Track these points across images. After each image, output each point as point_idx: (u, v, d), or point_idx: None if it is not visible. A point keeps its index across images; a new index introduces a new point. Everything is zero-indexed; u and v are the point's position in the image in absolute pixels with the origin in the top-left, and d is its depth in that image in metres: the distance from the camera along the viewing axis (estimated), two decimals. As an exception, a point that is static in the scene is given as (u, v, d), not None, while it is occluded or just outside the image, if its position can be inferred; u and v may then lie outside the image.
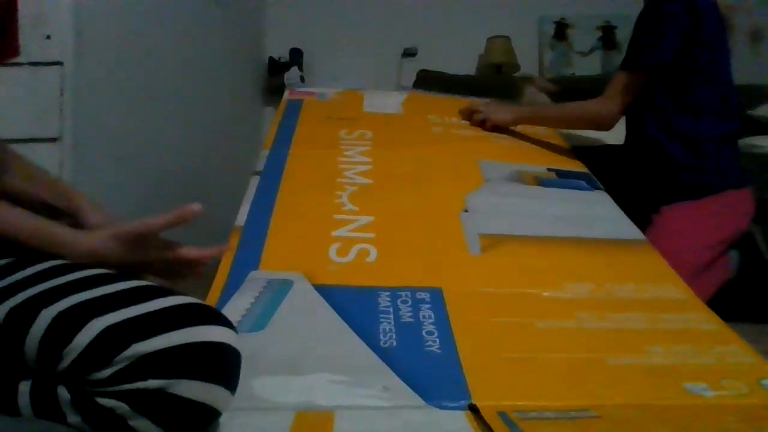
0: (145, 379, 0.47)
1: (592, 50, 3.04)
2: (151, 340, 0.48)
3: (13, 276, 0.56)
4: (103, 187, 1.59)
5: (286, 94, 1.55)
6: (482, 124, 1.43)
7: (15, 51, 0.78)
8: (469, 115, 1.46)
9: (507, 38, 2.98)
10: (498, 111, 1.43)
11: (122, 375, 0.48)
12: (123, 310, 0.50)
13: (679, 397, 0.68)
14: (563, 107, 1.46)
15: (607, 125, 1.34)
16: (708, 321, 0.85)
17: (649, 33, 1.29)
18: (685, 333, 0.82)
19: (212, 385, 0.49)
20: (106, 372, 0.48)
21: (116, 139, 1.59)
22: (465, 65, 3.06)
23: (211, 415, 0.51)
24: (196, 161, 2.17)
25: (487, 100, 1.56)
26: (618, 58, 3.04)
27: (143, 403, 0.48)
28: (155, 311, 0.51)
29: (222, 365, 0.51)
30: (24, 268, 0.57)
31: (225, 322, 0.54)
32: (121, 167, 1.69)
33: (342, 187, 1.12)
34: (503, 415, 0.61)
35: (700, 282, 1.11)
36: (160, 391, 0.47)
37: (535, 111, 1.48)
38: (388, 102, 1.55)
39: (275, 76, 2.99)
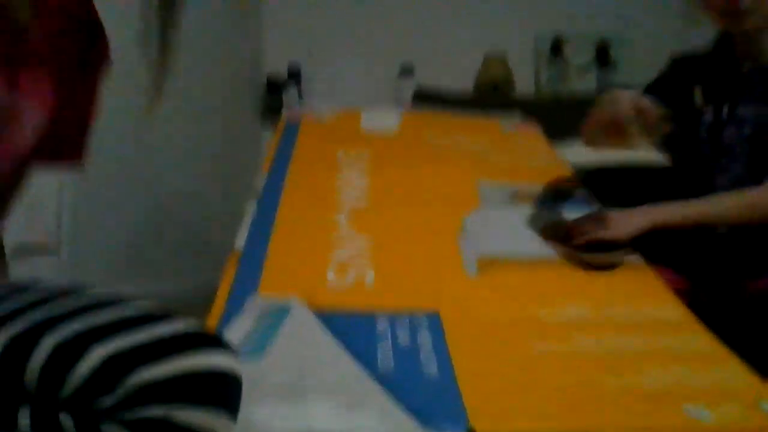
0: (147, 406, 0.48)
1: (588, 67, 3.06)
2: (153, 367, 0.49)
3: (9, 301, 0.56)
4: (102, 207, 1.60)
5: (284, 116, 1.56)
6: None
7: (80, 158, 0.80)
8: (565, 237, 1.06)
9: (503, 54, 3.01)
10: (626, 225, 1.06)
11: (125, 403, 0.48)
12: (125, 337, 0.51)
13: (679, 420, 0.68)
14: (727, 201, 1.09)
15: None
16: (704, 342, 0.85)
17: None
18: (683, 354, 0.82)
19: (215, 413, 0.50)
20: (109, 400, 0.48)
21: (114, 162, 1.61)
22: (462, 82, 3.08)
23: None
24: (196, 183, 2.18)
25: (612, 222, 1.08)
26: (613, 75, 3.07)
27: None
28: (157, 338, 0.52)
29: (224, 392, 0.52)
30: (20, 292, 0.58)
31: (227, 348, 0.54)
32: (119, 189, 1.70)
33: (340, 208, 1.13)
34: (501, 441, 0.61)
35: None
36: (162, 420, 0.48)
37: (683, 211, 1.10)
38: (386, 121, 1.57)
39: (274, 95, 3.01)
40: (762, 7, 1.09)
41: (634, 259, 1.07)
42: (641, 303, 0.94)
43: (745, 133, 1.16)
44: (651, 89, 1.29)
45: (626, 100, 1.14)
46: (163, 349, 0.50)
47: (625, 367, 0.78)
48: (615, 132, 1.17)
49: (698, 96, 1.22)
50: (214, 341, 0.54)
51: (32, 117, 0.68)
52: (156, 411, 0.48)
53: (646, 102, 1.14)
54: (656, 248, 1.03)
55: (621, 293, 0.97)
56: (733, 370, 0.79)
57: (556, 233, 1.05)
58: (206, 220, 1.14)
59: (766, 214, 1.07)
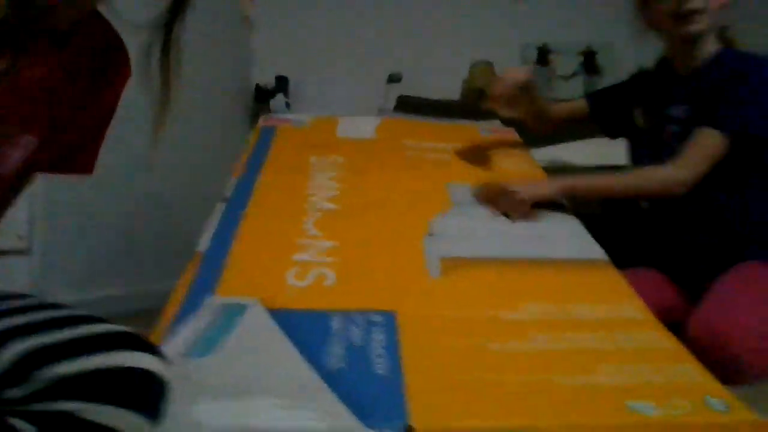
0: (57, 400, 0.48)
1: (574, 75, 3.08)
2: (69, 362, 0.49)
3: None
4: (82, 208, 1.60)
5: (261, 121, 1.57)
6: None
7: (90, 169, 0.80)
8: (489, 198, 1.20)
9: (490, 63, 3.02)
10: (534, 188, 1.19)
11: (36, 396, 0.48)
12: (47, 335, 0.51)
13: (622, 416, 0.68)
14: (624, 178, 1.23)
15: (680, 194, 1.17)
16: (663, 340, 0.85)
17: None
18: (639, 352, 0.82)
19: (126, 412, 0.49)
20: (20, 392, 0.48)
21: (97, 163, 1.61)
22: (449, 90, 3.09)
23: None
24: (181, 188, 2.19)
25: (521, 186, 1.21)
26: (599, 82, 3.08)
27: (52, 426, 0.48)
28: (81, 336, 0.52)
29: (139, 392, 0.51)
30: None
31: (154, 351, 0.54)
32: (102, 191, 1.71)
33: (307, 212, 1.13)
34: (439, 437, 0.61)
35: None
36: (69, 415, 0.48)
37: (588, 182, 1.24)
38: (363, 127, 1.57)
39: (262, 103, 3.03)
40: (711, 7, 1.16)
41: (600, 258, 1.07)
42: (603, 302, 0.94)
43: (675, 131, 1.26)
44: (598, 95, 1.48)
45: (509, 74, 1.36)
46: (85, 347, 0.50)
47: (577, 365, 0.78)
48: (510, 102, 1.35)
49: (639, 115, 1.36)
50: (141, 343, 0.54)
51: (21, 141, 0.68)
52: (65, 405, 0.47)
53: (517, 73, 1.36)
54: (640, 250, 1.07)
55: (583, 292, 0.96)
56: (685, 368, 0.79)
57: (491, 197, 1.21)
58: (191, 225, 1.14)
59: (651, 189, 1.20)
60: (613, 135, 1.48)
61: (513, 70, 1.41)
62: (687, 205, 1.22)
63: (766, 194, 1.23)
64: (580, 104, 1.49)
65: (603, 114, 1.45)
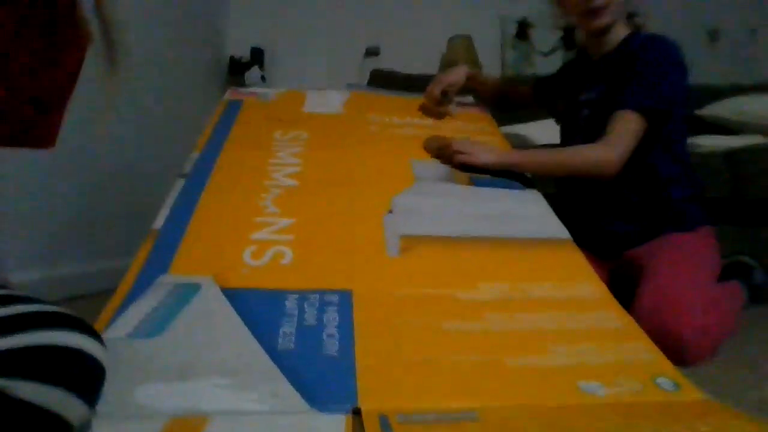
0: None
1: (553, 50, 3.06)
2: None
3: None
4: (42, 184, 1.56)
5: (227, 94, 1.53)
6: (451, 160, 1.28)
7: (52, 142, 0.76)
8: (439, 152, 1.30)
9: (468, 37, 2.99)
10: (481, 153, 1.26)
11: None
12: None
13: (572, 397, 0.68)
14: (560, 153, 1.29)
15: (613, 173, 1.21)
16: (617, 319, 0.85)
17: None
18: (591, 331, 0.82)
19: (54, 389, 0.48)
20: None
21: (62, 136, 1.57)
22: (427, 64, 3.05)
23: (58, 424, 0.49)
24: (150, 163, 2.15)
25: (465, 137, 1.36)
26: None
27: None
28: (12, 315, 0.50)
29: (70, 370, 0.50)
30: None
31: (87, 331, 0.52)
32: (66, 163, 1.67)
33: (267, 189, 1.11)
34: (383, 418, 0.60)
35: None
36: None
37: (526, 155, 1.28)
38: (330, 102, 1.54)
39: (236, 76, 2.97)
40: (613, 3, 1.27)
41: (563, 237, 1.07)
42: (561, 281, 0.94)
43: (586, 114, 1.35)
44: (538, 82, 1.59)
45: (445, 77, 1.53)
46: (13, 326, 0.49)
47: (530, 345, 0.78)
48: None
49: (560, 102, 1.49)
50: (73, 322, 0.52)
51: None
52: None
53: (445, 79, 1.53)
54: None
55: (543, 272, 0.96)
56: (637, 347, 0.79)
57: (440, 153, 1.30)
58: (154, 201, 1.12)
59: (584, 168, 1.23)
60: (555, 118, 1.58)
61: (448, 74, 1.55)
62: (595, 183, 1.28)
63: (670, 164, 1.28)
64: (529, 90, 1.61)
65: (542, 100, 1.57)
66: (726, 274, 1.30)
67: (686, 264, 1.13)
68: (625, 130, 1.21)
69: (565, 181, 1.43)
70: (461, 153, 1.26)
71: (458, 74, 1.54)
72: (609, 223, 1.32)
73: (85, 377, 0.51)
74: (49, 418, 0.48)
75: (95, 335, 0.53)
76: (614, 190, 1.29)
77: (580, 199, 1.37)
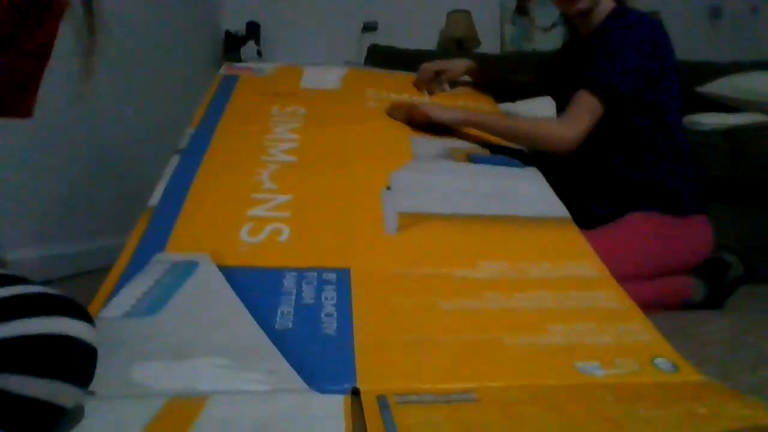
0: None
1: (553, 26, 3.02)
2: None
3: None
4: (37, 157, 1.55)
5: (222, 69, 1.51)
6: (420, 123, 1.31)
7: (29, 112, 0.74)
8: (407, 115, 1.32)
9: (467, 12, 2.95)
10: (445, 112, 1.30)
11: None
12: None
13: (569, 377, 0.68)
14: (516, 121, 1.35)
15: (567, 151, 1.23)
16: (615, 299, 0.85)
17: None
18: (590, 311, 0.81)
19: (41, 379, 0.47)
20: None
21: (57, 113, 1.55)
22: (426, 40, 3.02)
23: (54, 411, 0.49)
24: (145, 139, 2.13)
25: (427, 99, 1.45)
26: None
27: None
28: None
29: (63, 359, 0.48)
30: None
31: (73, 312, 0.51)
32: (61, 141, 1.65)
33: (264, 165, 1.10)
34: (381, 399, 0.60)
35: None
36: None
37: (484, 118, 1.31)
38: (328, 77, 1.52)
39: (232, 51, 2.93)
40: None
41: (562, 216, 1.06)
42: (559, 260, 0.93)
43: (571, 93, 1.32)
44: (539, 67, 1.60)
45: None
46: (5, 311, 0.47)
47: (528, 325, 0.77)
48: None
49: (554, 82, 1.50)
50: (64, 305, 0.50)
51: None
52: None
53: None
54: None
55: (541, 251, 0.96)
56: (636, 328, 0.79)
57: (402, 114, 1.33)
58: (149, 178, 1.10)
59: (536, 139, 1.26)
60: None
61: (449, 60, 1.58)
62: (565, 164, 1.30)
63: (661, 149, 1.28)
64: (532, 78, 1.61)
65: (544, 84, 1.56)
66: (705, 269, 1.29)
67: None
68: (582, 108, 1.22)
69: (556, 160, 1.42)
70: (423, 113, 1.28)
71: (458, 64, 1.55)
72: (590, 205, 1.31)
73: (73, 363, 0.50)
74: (41, 407, 0.47)
75: (83, 315, 0.52)
76: (601, 171, 1.30)
77: (566, 178, 1.35)
